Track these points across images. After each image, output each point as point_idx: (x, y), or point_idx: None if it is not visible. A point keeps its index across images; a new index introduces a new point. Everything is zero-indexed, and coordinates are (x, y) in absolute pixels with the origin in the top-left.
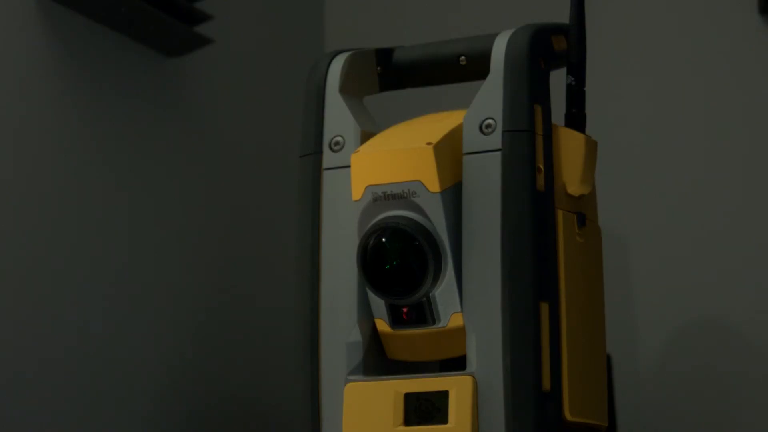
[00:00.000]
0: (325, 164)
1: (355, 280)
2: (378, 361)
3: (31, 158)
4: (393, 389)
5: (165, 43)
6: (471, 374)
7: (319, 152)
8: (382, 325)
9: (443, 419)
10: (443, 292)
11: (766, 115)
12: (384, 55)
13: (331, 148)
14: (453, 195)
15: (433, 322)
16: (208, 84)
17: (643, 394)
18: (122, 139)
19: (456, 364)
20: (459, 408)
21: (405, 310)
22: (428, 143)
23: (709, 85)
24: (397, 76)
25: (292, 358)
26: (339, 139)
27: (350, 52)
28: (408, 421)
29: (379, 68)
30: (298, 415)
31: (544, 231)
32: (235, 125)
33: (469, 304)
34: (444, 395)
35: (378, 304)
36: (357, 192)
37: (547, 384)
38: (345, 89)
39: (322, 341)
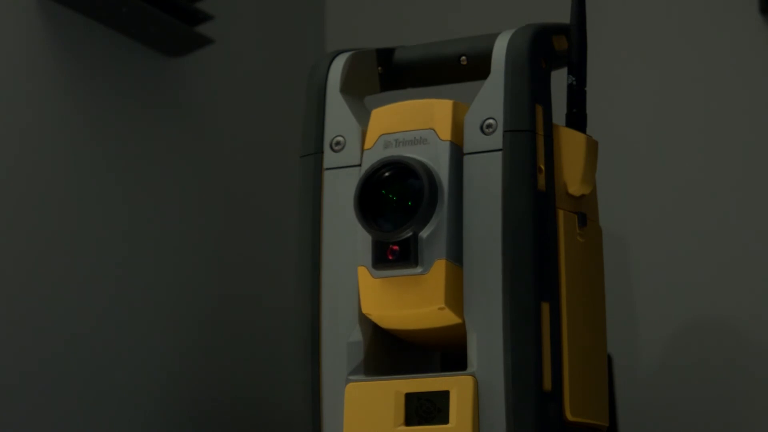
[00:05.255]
0: (326, 164)
1: (356, 280)
2: (379, 361)
3: (31, 158)
4: (394, 389)
5: (165, 43)
6: (472, 374)
7: (320, 152)
8: (364, 274)
9: (444, 419)
10: (431, 237)
11: (766, 115)
12: (385, 55)
13: (332, 148)
14: (458, 153)
15: (416, 264)
16: (208, 84)
17: (644, 393)
18: (122, 139)
19: (456, 363)
20: (460, 408)
21: (390, 256)
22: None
23: (710, 85)
24: (398, 76)
25: (292, 358)
26: (340, 139)
27: (351, 52)
28: (409, 421)
29: (380, 68)
30: (298, 415)
31: (544, 231)
32: (235, 125)
33: (470, 303)
34: (445, 395)
35: (364, 248)
36: (370, 142)
37: (548, 384)
38: (346, 89)
39: (323, 341)
